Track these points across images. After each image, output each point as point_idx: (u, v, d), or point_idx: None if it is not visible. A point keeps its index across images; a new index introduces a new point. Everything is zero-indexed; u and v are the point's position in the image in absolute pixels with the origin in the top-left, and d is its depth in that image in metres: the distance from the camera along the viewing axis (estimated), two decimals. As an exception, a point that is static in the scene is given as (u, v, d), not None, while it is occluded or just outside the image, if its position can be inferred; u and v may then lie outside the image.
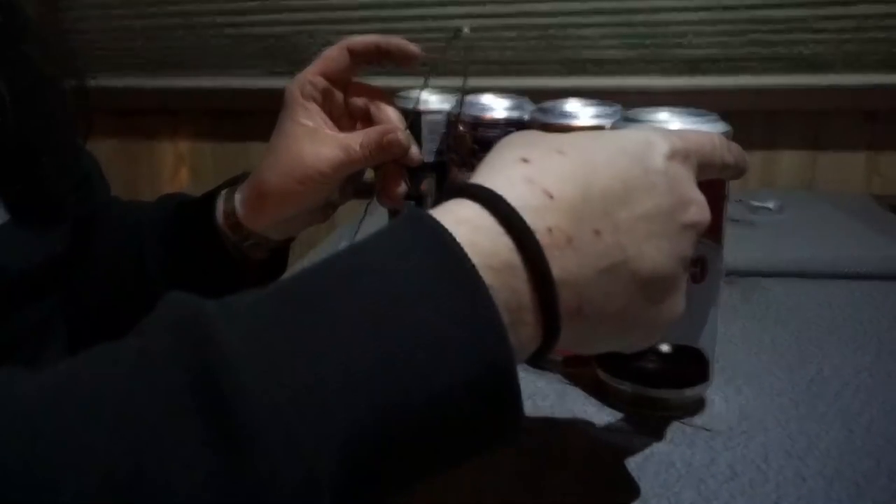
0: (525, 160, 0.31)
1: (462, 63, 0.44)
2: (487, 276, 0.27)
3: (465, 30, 0.50)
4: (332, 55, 0.53)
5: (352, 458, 0.24)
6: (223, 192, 0.56)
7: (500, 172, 0.31)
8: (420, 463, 0.27)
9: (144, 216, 0.60)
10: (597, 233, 0.30)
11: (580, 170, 0.31)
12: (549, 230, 0.29)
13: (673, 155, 0.33)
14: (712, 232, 0.43)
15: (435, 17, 1.56)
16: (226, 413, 0.22)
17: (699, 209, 0.34)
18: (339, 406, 0.24)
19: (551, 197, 0.29)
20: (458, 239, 0.27)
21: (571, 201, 0.30)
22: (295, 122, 0.53)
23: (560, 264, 0.29)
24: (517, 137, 0.34)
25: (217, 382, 0.23)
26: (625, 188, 0.31)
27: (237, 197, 0.55)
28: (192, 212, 0.57)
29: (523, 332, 0.28)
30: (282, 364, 0.24)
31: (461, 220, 0.28)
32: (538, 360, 0.30)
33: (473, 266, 0.26)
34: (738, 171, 0.39)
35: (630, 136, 0.34)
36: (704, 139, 0.37)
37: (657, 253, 0.32)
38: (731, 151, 0.38)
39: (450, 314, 0.26)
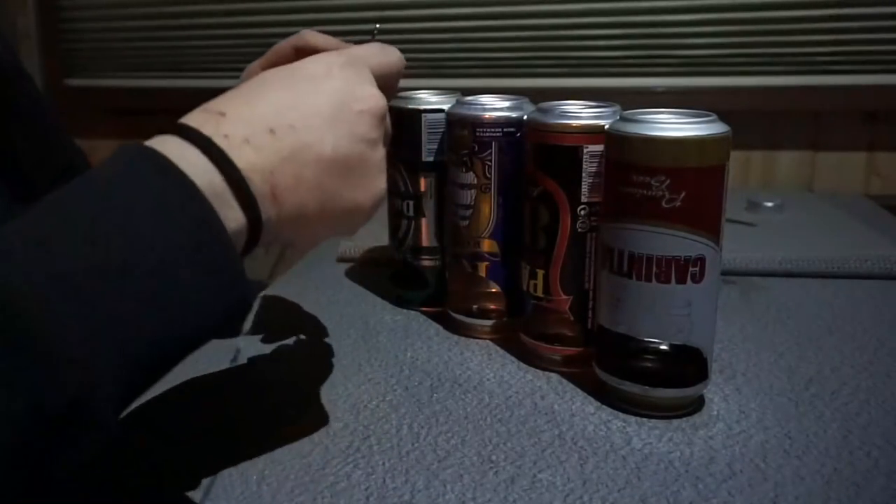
0: (209, 102, 0.38)
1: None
2: (189, 175, 0.33)
3: (376, 27, 0.57)
4: (282, 50, 0.52)
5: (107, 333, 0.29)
6: None
7: (189, 113, 0.37)
8: (162, 328, 0.31)
9: None
10: (271, 131, 0.37)
11: (250, 91, 0.39)
12: (226, 136, 0.35)
13: (343, 66, 0.41)
14: (710, 231, 0.43)
15: (435, 18, 1.56)
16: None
17: (371, 97, 0.41)
18: (98, 295, 0.29)
19: (223, 114, 0.36)
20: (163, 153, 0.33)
21: (242, 114, 0.37)
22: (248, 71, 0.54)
23: (242, 158, 0.35)
24: None
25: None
26: (295, 95, 0.39)
27: None
28: None
29: (230, 214, 0.34)
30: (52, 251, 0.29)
31: (156, 144, 0.34)
32: (253, 246, 0.36)
33: (179, 169, 0.33)
34: (398, 70, 0.47)
35: (308, 62, 0.41)
36: (370, 50, 0.45)
37: (335, 137, 0.38)
38: (389, 54, 0.46)
39: (166, 202, 0.32)
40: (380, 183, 0.42)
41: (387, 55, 0.46)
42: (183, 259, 0.31)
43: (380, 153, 0.42)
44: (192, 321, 0.32)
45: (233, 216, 0.34)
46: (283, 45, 0.51)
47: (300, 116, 0.38)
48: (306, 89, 0.39)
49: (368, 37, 0.50)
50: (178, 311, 0.31)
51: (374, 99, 0.41)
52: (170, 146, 0.34)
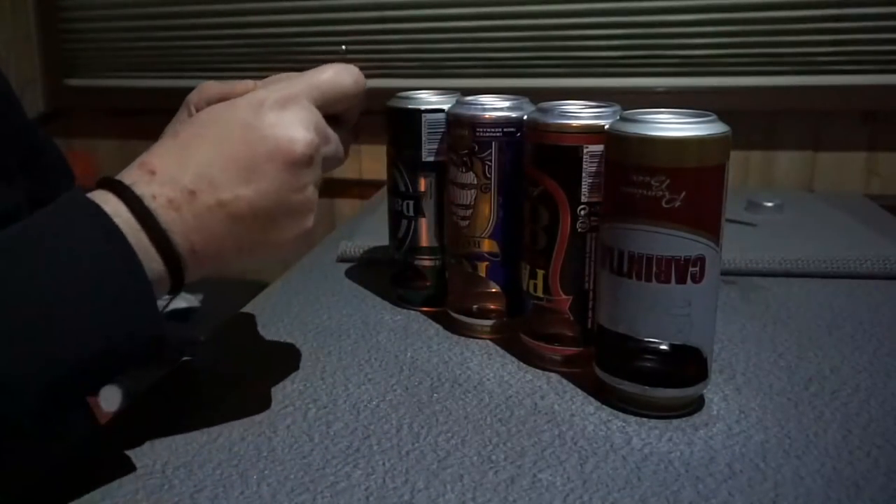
0: (148, 151, 0.41)
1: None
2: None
3: (343, 47, 0.55)
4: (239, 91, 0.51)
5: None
6: None
7: (133, 163, 0.41)
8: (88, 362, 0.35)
9: None
10: (192, 193, 0.39)
11: (183, 146, 0.41)
12: (154, 196, 0.38)
13: (272, 106, 0.41)
14: (710, 231, 0.43)
15: (435, 18, 1.56)
16: None
17: (291, 146, 0.41)
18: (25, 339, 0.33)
19: (154, 173, 0.39)
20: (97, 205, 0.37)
21: (169, 173, 0.39)
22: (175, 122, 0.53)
23: (165, 218, 0.38)
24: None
25: None
26: (219, 150, 0.40)
27: None
28: None
29: (153, 266, 0.38)
30: None
31: (95, 199, 0.38)
32: (178, 290, 0.40)
33: (107, 216, 0.37)
34: (354, 95, 0.46)
35: (238, 103, 0.42)
36: (320, 78, 0.45)
37: (250, 192, 0.40)
38: (340, 82, 0.45)
39: (95, 248, 0.36)
40: (305, 223, 0.43)
41: (340, 78, 0.45)
42: (102, 292, 0.36)
43: (307, 194, 0.42)
44: (102, 347, 0.36)
45: (155, 268, 0.38)
46: (193, 104, 0.50)
47: (220, 172, 0.40)
48: (232, 141, 0.41)
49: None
50: (88, 336, 0.35)
51: (299, 145, 0.41)
52: (105, 202, 0.38)
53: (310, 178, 0.42)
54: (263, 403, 0.48)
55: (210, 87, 0.49)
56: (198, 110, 0.51)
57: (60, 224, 0.37)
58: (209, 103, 0.51)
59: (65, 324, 0.34)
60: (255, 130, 0.41)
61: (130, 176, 0.39)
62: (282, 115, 0.41)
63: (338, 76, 0.45)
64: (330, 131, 0.45)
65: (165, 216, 0.38)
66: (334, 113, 0.46)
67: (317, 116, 0.43)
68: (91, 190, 0.39)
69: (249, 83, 0.48)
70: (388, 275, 0.67)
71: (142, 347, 0.37)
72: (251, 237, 0.41)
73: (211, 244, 0.40)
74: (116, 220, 0.37)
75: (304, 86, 0.44)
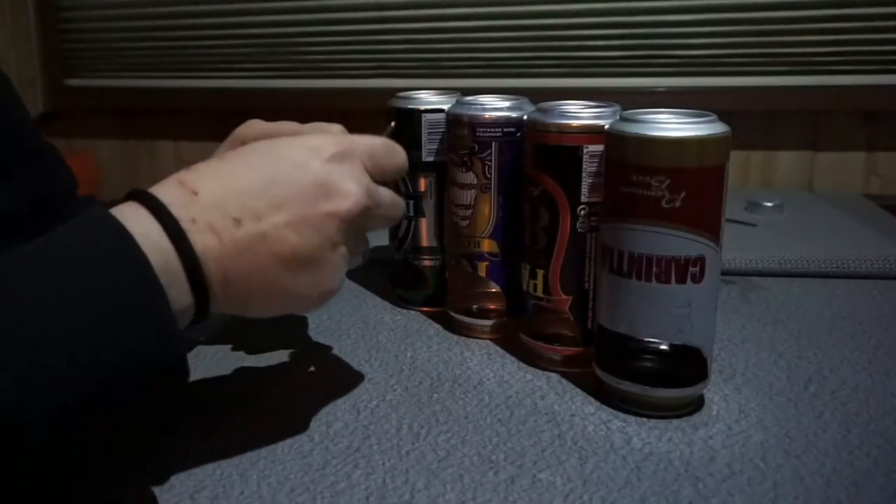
0: (189, 168, 0.39)
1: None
2: (146, 252, 0.34)
3: (392, 125, 0.59)
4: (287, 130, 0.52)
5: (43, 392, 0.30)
6: None
7: (168, 178, 0.39)
8: (103, 397, 0.33)
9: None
10: (237, 221, 0.37)
11: (230, 172, 0.39)
12: (193, 220, 0.36)
13: (332, 157, 0.40)
14: (710, 231, 0.43)
15: (435, 18, 1.56)
16: None
17: (344, 201, 0.40)
18: (41, 369, 0.30)
19: (196, 194, 0.37)
20: (127, 228, 0.34)
21: (214, 197, 0.37)
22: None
23: (201, 243, 0.36)
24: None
25: None
26: (270, 185, 0.39)
27: None
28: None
29: (179, 292, 0.36)
30: None
31: (124, 214, 0.36)
32: (201, 318, 0.38)
33: (137, 245, 0.34)
34: (399, 173, 0.46)
35: (294, 142, 0.41)
36: (377, 146, 0.44)
37: (297, 236, 0.39)
38: (394, 156, 0.45)
39: (118, 275, 0.33)
40: (332, 282, 0.41)
41: (390, 157, 0.45)
42: (123, 335, 0.33)
43: (339, 254, 0.41)
44: (123, 385, 0.34)
45: (181, 297, 0.36)
46: (241, 137, 0.51)
47: (268, 206, 0.38)
48: (283, 175, 0.39)
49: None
50: (125, 380, 0.33)
51: (350, 201, 0.40)
52: (136, 220, 0.35)
53: (347, 237, 0.41)
54: (263, 404, 0.48)
55: (257, 124, 0.49)
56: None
57: (82, 248, 0.34)
58: (256, 139, 0.52)
59: (78, 349, 0.32)
60: (309, 173, 0.40)
61: (169, 192, 0.37)
62: (339, 166, 0.41)
63: (390, 150, 0.45)
64: (379, 191, 0.44)
65: (202, 242, 0.36)
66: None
67: (368, 179, 0.42)
68: (115, 202, 0.37)
69: (295, 124, 0.48)
70: (388, 275, 0.68)
71: (157, 377, 0.35)
72: (282, 281, 0.39)
73: (244, 278, 0.38)
74: (146, 243, 0.34)
75: (362, 146, 0.43)
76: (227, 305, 0.39)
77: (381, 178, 0.45)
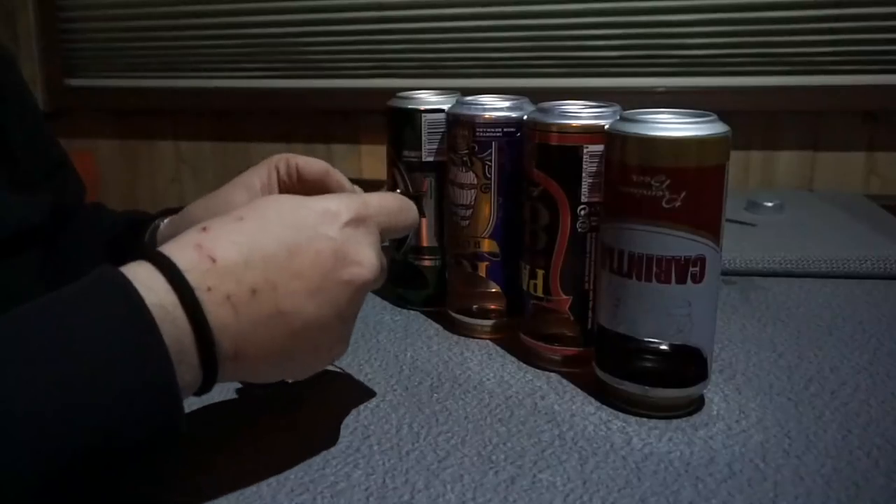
0: (205, 228, 0.37)
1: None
2: (159, 325, 0.33)
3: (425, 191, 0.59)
4: (274, 171, 0.53)
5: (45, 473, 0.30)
6: (159, 219, 0.60)
7: (182, 238, 0.37)
8: (98, 467, 0.32)
9: (110, 224, 0.66)
10: (254, 292, 0.36)
11: (248, 237, 0.37)
12: (209, 289, 0.35)
13: (348, 223, 0.39)
14: (710, 231, 0.43)
15: (435, 18, 1.56)
16: None
17: (360, 269, 0.39)
18: (30, 436, 0.30)
19: (214, 261, 0.35)
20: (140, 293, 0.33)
21: (232, 265, 0.36)
22: (242, 178, 0.54)
23: (217, 316, 0.35)
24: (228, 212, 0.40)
25: None
26: (288, 254, 0.37)
27: (162, 223, 0.59)
28: (132, 231, 0.61)
29: (188, 368, 0.34)
30: None
31: (138, 278, 0.34)
32: (204, 392, 0.37)
33: (149, 314, 0.33)
34: (410, 229, 0.46)
35: (311, 206, 0.39)
36: (390, 205, 0.43)
37: (313, 308, 0.37)
38: (407, 213, 0.44)
39: (128, 352, 0.32)
40: (337, 350, 0.41)
41: (403, 215, 0.44)
42: (136, 411, 0.32)
43: (348, 325, 0.41)
44: (129, 462, 0.33)
45: (189, 371, 0.35)
46: (275, 163, 0.52)
47: (285, 278, 0.37)
48: (301, 245, 0.38)
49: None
50: (123, 457, 0.33)
51: (366, 270, 0.39)
52: (149, 286, 0.34)
53: (357, 309, 0.41)
54: (263, 404, 0.48)
55: (292, 159, 0.50)
56: (281, 177, 0.53)
57: (89, 312, 0.33)
58: (289, 175, 0.52)
59: (76, 416, 0.31)
60: (327, 242, 0.38)
61: (185, 257, 0.35)
62: (356, 233, 0.40)
63: (402, 207, 0.44)
64: (383, 257, 0.42)
65: (217, 314, 0.35)
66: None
67: (380, 243, 0.42)
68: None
69: (325, 166, 0.50)
70: (388, 275, 0.67)
71: (156, 445, 0.34)
72: (292, 354, 0.38)
73: (255, 352, 0.37)
74: (159, 314, 0.33)
75: (376, 207, 0.42)
76: (232, 377, 0.38)
77: (392, 235, 0.44)
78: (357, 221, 0.40)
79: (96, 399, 0.31)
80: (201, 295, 0.34)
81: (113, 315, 0.33)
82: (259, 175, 0.53)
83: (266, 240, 0.37)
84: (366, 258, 0.39)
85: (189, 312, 0.34)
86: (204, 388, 0.37)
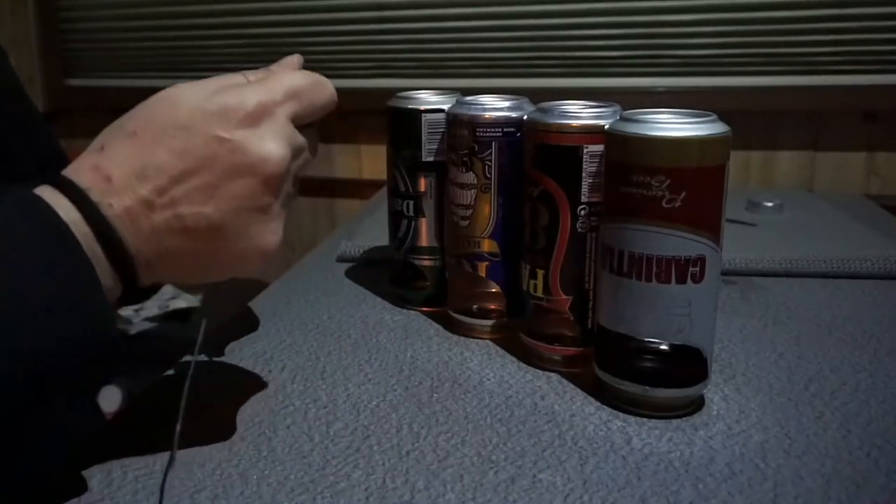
0: (102, 148, 0.39)
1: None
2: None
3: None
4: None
5: None
6: None
7: (81, 160, 0.39)
8: (31, 388, 0.34)
9: None
10: (150, 202, 0.38)
11: (142, 152, 0.38)
12: (110, 205, 0.37)
13: (245, 119, 0.39)
14: (710, 231, 0.43)
15: (435, 18, 1.56)
16: None
17: (264, 164, 0.39)
18: None
19: (110, 180, 0.38)
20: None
21: (127, 181, 0.38)
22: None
23: (122, 227, 0.37)
24: (123, 118, 0.41)
25: None
26: (181, 161, 0.38)
27: None
28: None
29: (105, 275, 0.37)
30: None
31: (50, 200, 0.37)
32: (128, 298, 0.40)
33: (63, 222, 0.36)
34: (330, 106, 0.45)
35: (207, 107, 0.39)
36: (300, 87, 0.42)
37: (212, 209, 0.39)
38: (322, 89, 0.43)
39: (48, 255, 0.35)
40: (267, 241, 0.41)
41: (318, 97, 0.43)
42: (54, 296, 0.34)
43: (272, 213, 0.40)
44: (49, 357, 0.34)
45: (106, 277, 0.37)
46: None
47: (181, 186, 0.38)
48: (197, 153, 0.38)
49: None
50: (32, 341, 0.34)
51: (271, 164, 0.39)
52: (55, 202, 0.36)
53: (276, 196, 0.40)
54: (263, 403, 0.48)
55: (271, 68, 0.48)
56: None
57: (13, 226, 0.35)
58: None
59: (12, 325, 0.33)
60: (223, 144, 0.39)
61: (83, 178, 0.38)
62: (255, 130, 0.39)
63: (315, 84, 0.43)
64: (300, 138, 0.42)
65: (120, 227, 0.37)
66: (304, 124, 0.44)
67: (290, 129, 0.41)
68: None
69: (294, 58, 0.48)
70: (388, 275, 0.68)
71: (94, 353, 0.36)
72: (207, 254, 0.40)
73: (164, 257, 0.39)
74: (71, 227, 0.36)
75: (283, 94, 0.41)
76: (156, 278, 0.40)
77: (312, 117, 0.43)
78: (256, 116, 0.39)
79: (23, 308, 0.33)
80: (104, 210, 0.37)
81: (28, 229, 0.35)
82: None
83: (159, 150, 0.38)
84: (270, 151, 0.39)
85: (93, 225, 0.37)
86: (126, 291, 0.39)
